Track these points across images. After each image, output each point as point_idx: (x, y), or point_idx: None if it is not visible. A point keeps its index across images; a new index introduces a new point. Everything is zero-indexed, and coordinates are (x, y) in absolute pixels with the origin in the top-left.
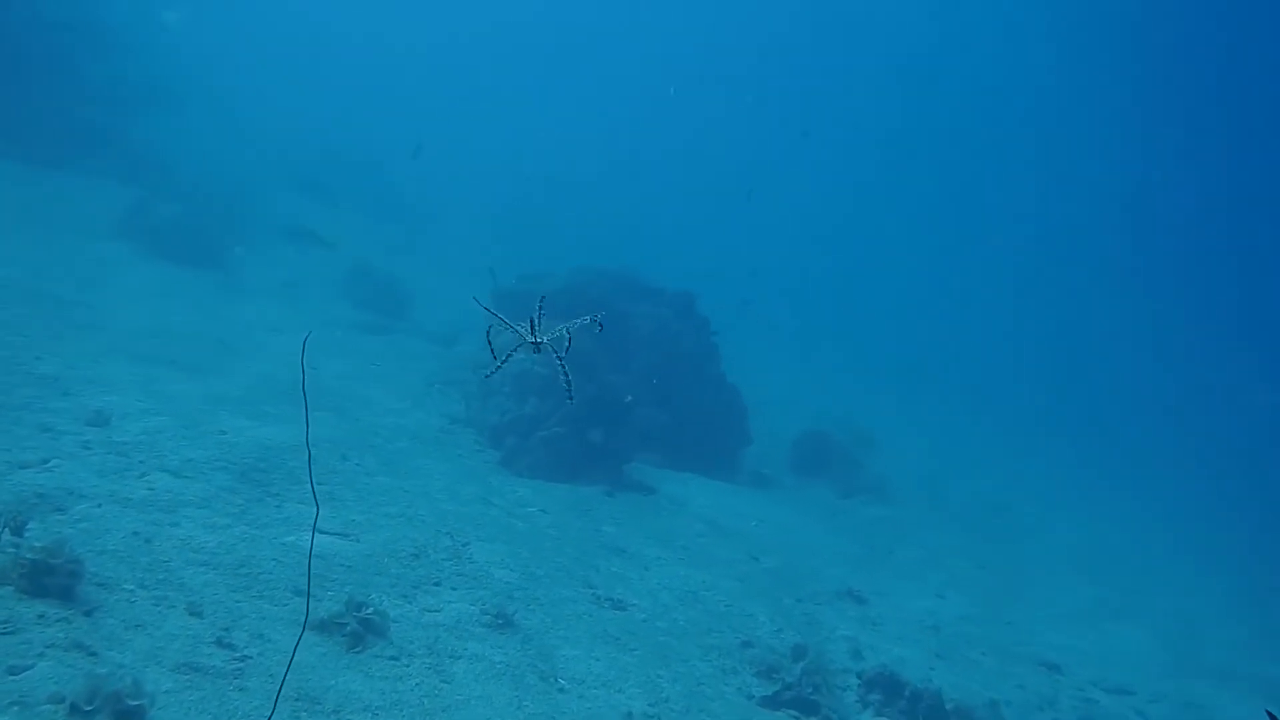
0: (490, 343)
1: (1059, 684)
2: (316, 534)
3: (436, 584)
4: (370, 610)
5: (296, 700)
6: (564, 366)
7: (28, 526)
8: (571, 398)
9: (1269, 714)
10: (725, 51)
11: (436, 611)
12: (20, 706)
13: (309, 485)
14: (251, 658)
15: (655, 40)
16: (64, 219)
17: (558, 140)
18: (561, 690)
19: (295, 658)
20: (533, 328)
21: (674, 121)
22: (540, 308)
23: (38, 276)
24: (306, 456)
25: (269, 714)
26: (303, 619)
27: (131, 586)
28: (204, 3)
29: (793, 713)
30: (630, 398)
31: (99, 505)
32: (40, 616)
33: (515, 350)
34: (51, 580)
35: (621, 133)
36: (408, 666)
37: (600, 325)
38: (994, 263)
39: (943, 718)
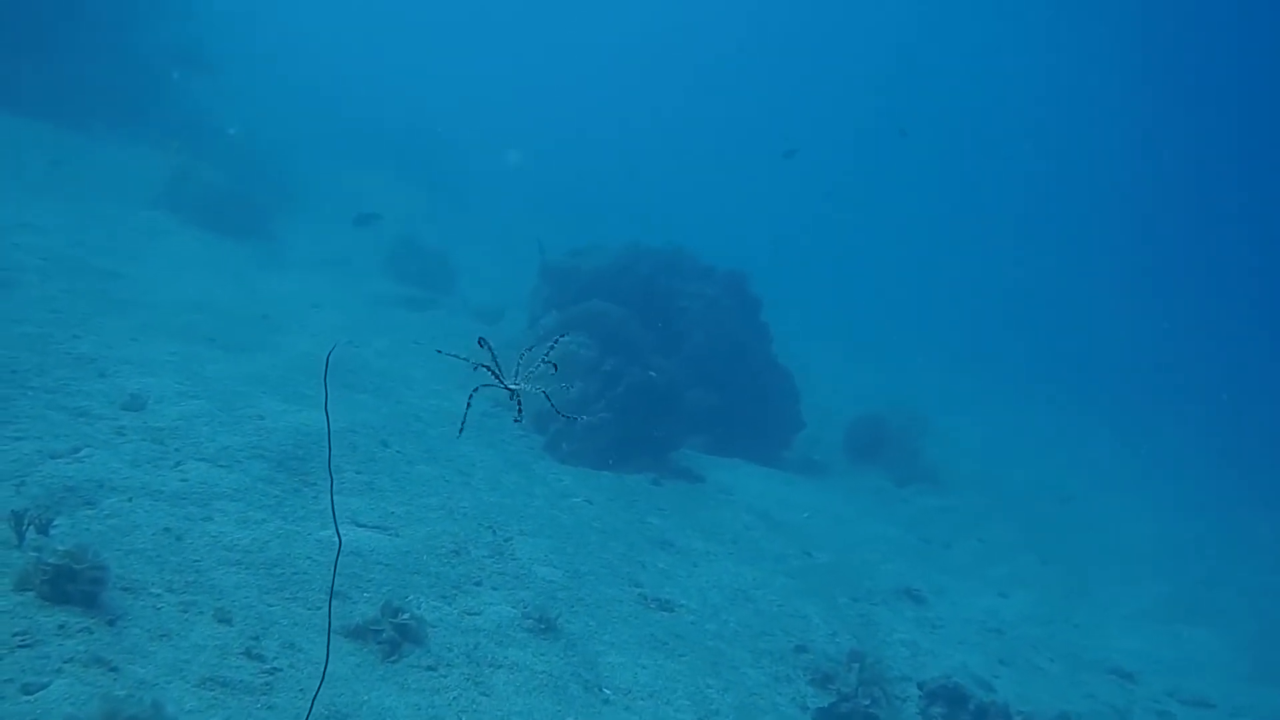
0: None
1: (1132, 694)
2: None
3: (477, 584)
4: (407, 615)
5: (327, 718)
6: (519, 403)
7: (54, 523)
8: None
9: None
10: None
11: (476, 615)
12: None
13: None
14: (281, 670)
15: (704, 13)
16: (106, 186)
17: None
18: (606, 702)
19: (327, 668)
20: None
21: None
22: (529, 348)
23: (78, 247)
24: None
25: None
26: (336, 625)
27: (159, 590)
28: None
29: None
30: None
31: (130, 499)
32: (61, 627)
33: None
34: (74, 587)
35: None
36: (445, 678)
37: (555, 366)
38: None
39: None
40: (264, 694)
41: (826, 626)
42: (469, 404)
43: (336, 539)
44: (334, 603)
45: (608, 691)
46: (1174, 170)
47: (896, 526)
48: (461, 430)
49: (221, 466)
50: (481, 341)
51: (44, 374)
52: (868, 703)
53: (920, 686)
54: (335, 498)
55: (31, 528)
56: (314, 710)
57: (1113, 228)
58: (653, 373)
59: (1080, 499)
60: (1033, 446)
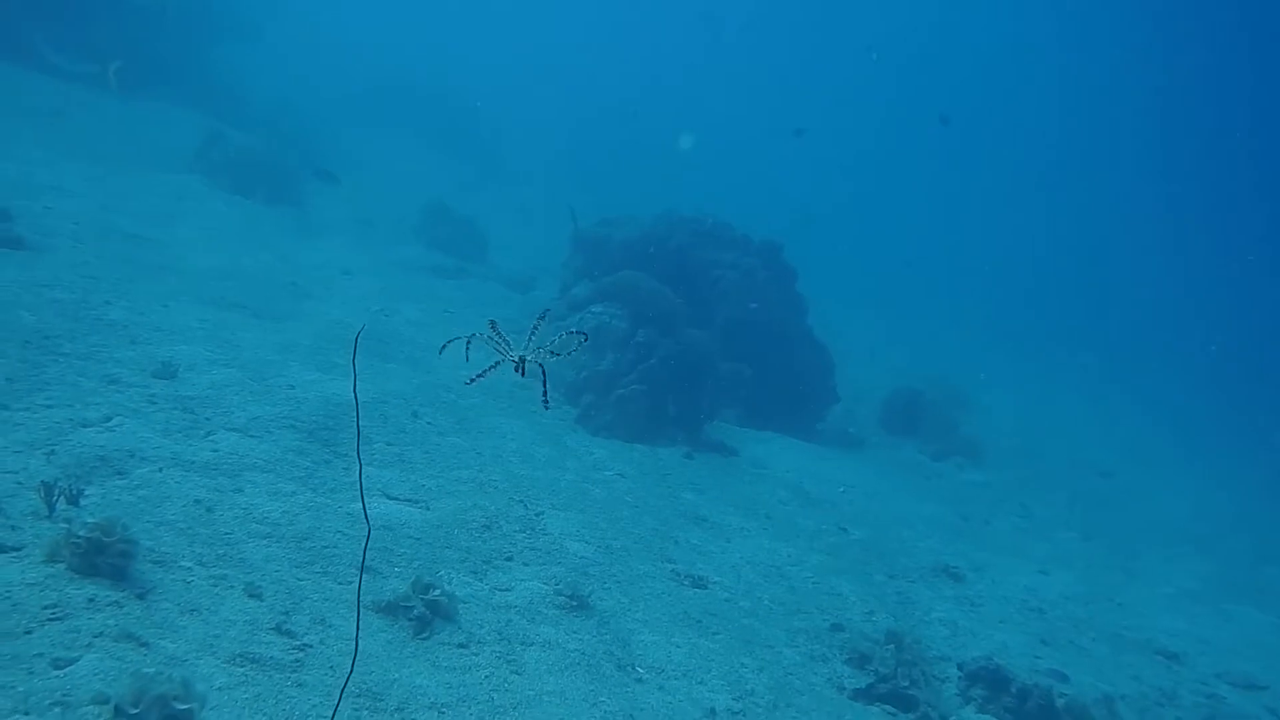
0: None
1: (1179, 676)
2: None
3: (508, 559)
4: (438, 592)
5: (358, 696)
6: (545, 379)
7: (85, 494)
8: (547, 405)
9: None
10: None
11: (508, 591)
12: (62, 708)
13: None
14: (311, 646)
15: None
16: (138, 150)
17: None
18: (640, 681)
19: (352, 648)
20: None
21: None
22: (541, 318)
23: (109, 211)
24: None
25: (328, 714)
26: (367, 601)
27: (189, 564)
28: None
29: (888, 708)
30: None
31: (160, 469)
32: (91, 600)
33: (495, 366)
34: (104, 560)
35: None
36: (476, 656)
37: (585, 337)
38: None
39: (1053, 717)
40: (294, 671)
41: (863, 605)
42: (492, 368)
43: (365, 519)
44: (365, 578)
45: (641, 670)
46: (1213, 139)
47: (934, 502)
48: (471, 381)
49: (252, 437)
50: (493, 325)
51: (75, 340)
52: (906, 684)
53: (960, 667)
54: (366, 469)
55: (62, 498)
56: (345, 689)
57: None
58: (685, 343)
59: (1121, 474)
60: (1070, 421)
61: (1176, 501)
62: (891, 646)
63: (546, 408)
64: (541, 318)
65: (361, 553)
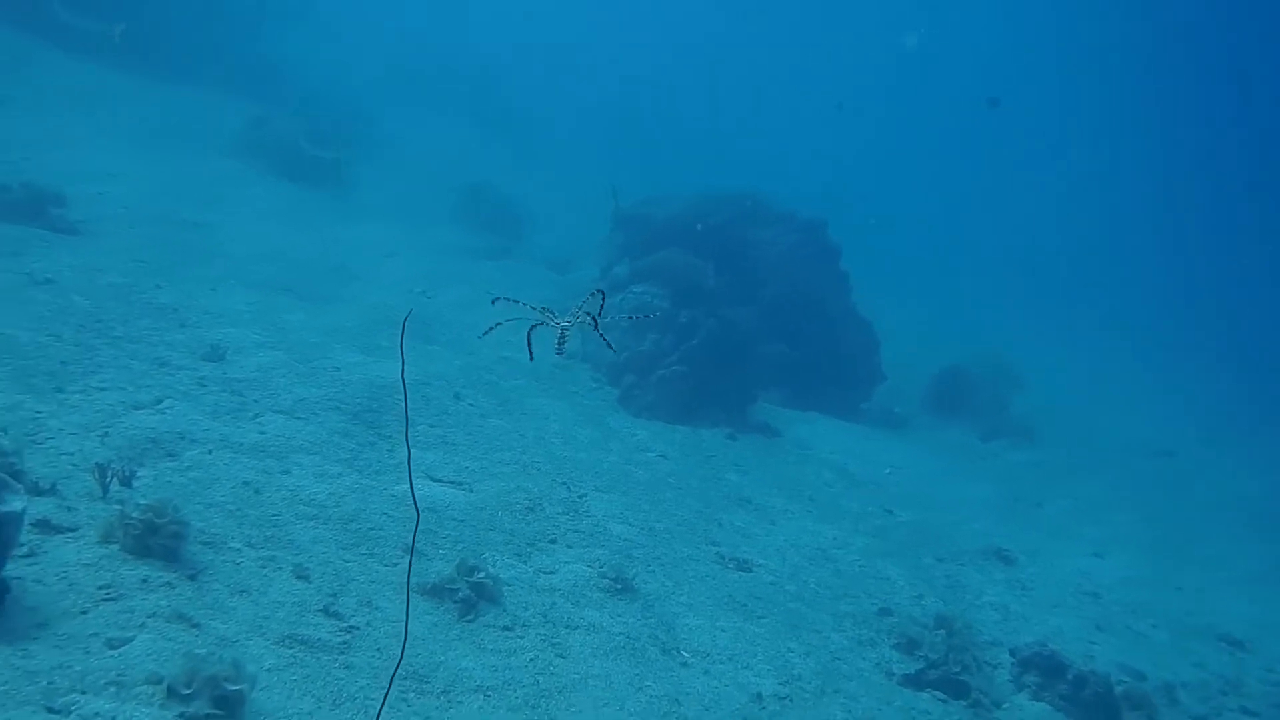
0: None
1: (1244, 664)
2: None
3: (552, 541)
4: (483, 574)
5: (404, 679)
6: (603, 336)
7: (138, 475)
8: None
9: None
10: None
11: (552, 574)
12: (117, 687)
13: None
14: (359, 628)
15: None
16: (185, 134)
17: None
18: (685, 665)
19: (399, 631)
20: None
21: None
22: (592, 295)
23: (159, 195)
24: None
25: (375, 696)
26: (412, 583)
27: (238, 545)
28: None
29: (939, 694)
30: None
31: (210, 451)
32: (144, 581)
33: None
34: (156, 541)
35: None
36: (521, 639)
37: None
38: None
39: (1111, 705)
40: (341, 653)
41: (911, 588)
42: (529, 341)
43: (415, 508)
44: (408, 560)
45: (685, 654)
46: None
47: (983, 483)
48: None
49: (299, 419)
50: (544, 310)
51: (127, 324)
52: (957, 669)
53: (1013, 653)
54: (410, 450)
55: (115, 480)
56: (390, 671)
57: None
58: (727, 322)
59: (1179, 454)
60: (1126, 399)
61: (1240, 483)
62: (942, 631)
63: (612, 350)
64: (593, 295)
65: (407, 535)
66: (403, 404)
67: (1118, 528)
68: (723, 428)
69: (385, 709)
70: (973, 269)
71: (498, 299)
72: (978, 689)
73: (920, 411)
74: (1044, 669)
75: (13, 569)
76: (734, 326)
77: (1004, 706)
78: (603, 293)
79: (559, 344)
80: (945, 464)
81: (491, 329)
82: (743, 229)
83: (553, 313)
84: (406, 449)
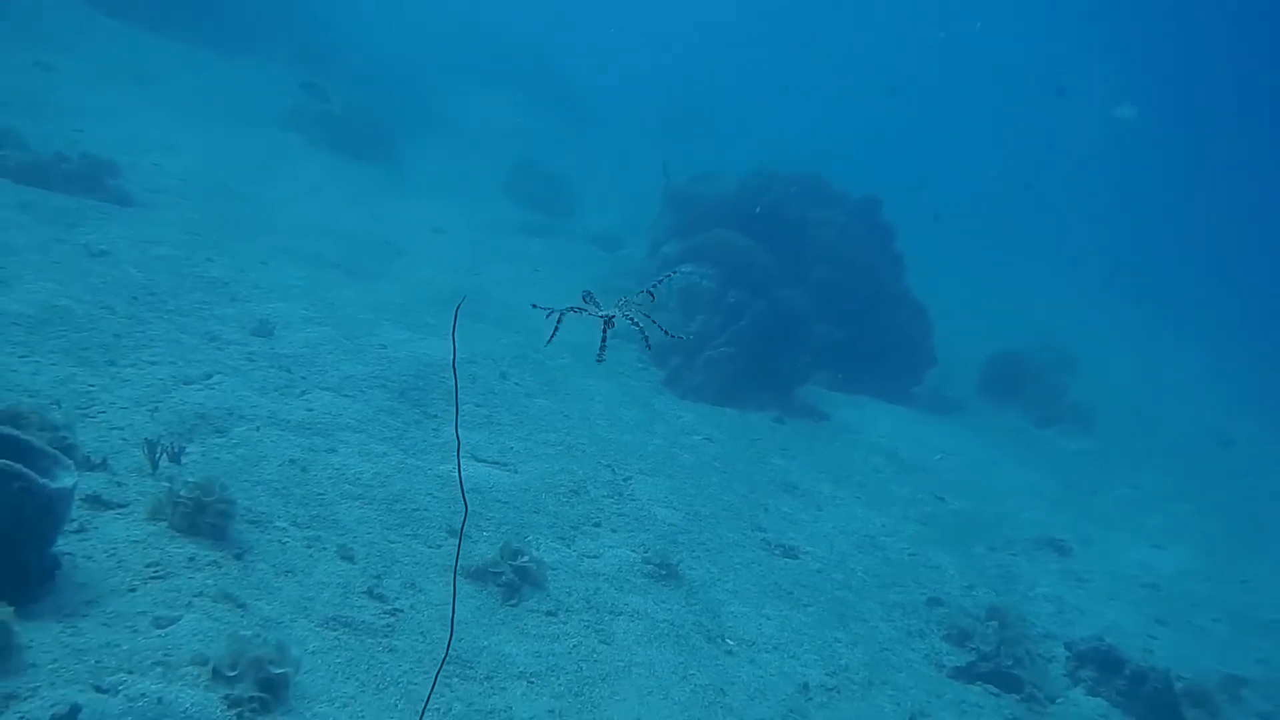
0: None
1: None
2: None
3: (596, 525)
4: (526, 558)
5: (447, 664)
6: (641, 330)
7: (186, 451)
8: (649, 346)
9: None
10: None
11: (596, 558)
12: (163, 667)
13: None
14: (403, 611)
15: None
16: (239, 107)
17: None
18: (730, 654)
19: (444, 615)
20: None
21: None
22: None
23: (214, 168)
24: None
25: (418, 681)
26: (457, 566)
27: (284, 524)
28: None
29: (990, 688)
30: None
31: (258, 428)
32: (191, 560)
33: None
34: (204, 519)
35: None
36: (565, 624)
37: (652, 295)
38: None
39: (1171, 702)
40: (385, 636)
41: (962, 578)
42: (558, 322)
43: (467, 468)
44: (453, 542)
45: (731, 642)
46: None
47: (1037, 471)
48: (549, 341)
49: (345, 396)
50: (588, 295)
51: (179, 297)
52: (1010, 663)
53: (1068, 647)
54: (453, 431)
55: (164, 456)
56: (433, 655)
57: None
58: (777, 303)
59: (1243, 442)
60: (1187, 385)
61: None
62: (994, 623)
63: (649, 348)
64: (647, 288)
65: (452, 516)
66: (449, 382)
67: (1177, 518)
68: (770, 411)
69: (429, 694)
70: (1027, 251)
71: (538, 306)
72: (1031, 683)
73: (973, 396)
74: (1101, 663)
75: (63, 544)
76: (783, 307)
77: (1058, 701)
78: (652, 293)
79: (600, 350)
80: (998, 450)
81: (553, 334)
82: (794, 208)
83: (598, 303)
84: (456, 441)
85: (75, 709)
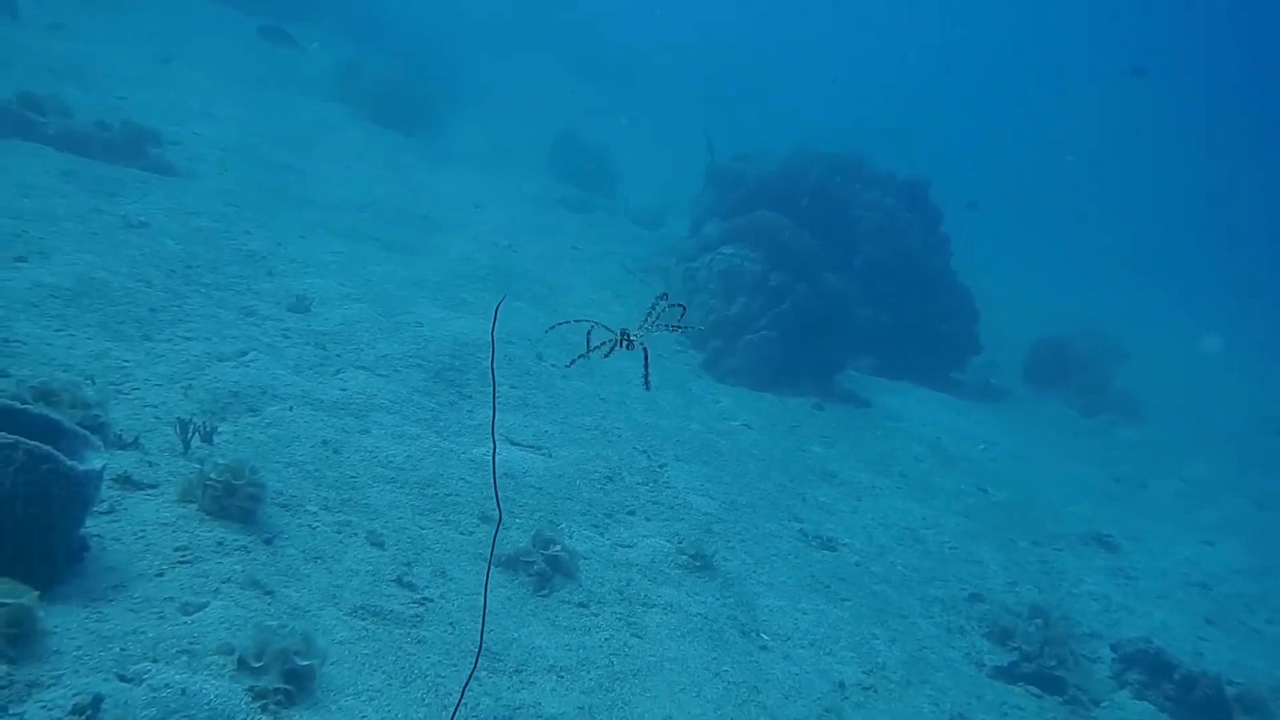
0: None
1: None
2: (509, 445)
3: (630, 513)
4: (558, 547)
5: (474, 654)
6: (646, 357)
7: (219, 431)
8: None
9: None
10: None
11: (629, 548)
12: (189, 656)
13: (503, 388)
14: (432, 600)
15: None
16: (283, 76)
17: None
18: (764, 649)
19: (474, 604)
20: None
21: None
22: (660, 298)
23: (253, 138)
24: (502, 356)
25: (446, 674)
26: (487, 554)
27: (315, 509)
28: None
29: (1033, 689)
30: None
31: (291, 408)
32: (220, 544)
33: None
34: (233, 502)
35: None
36: (596, 616)
37: (683, 308)
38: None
39: (1222, 708)
40: (414, 626)
41: (1005, 574)
42: (588, 345)
43: (501, 452)
44: (485, 528)
45: (765, 637)
46: None
47: (1083, 462)
48: (571, 363)
49: (380, 376)
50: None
51: (216, 271)
52: (1053, 663)
53: (1114, 649)
54: (488, 414)
55: (196, 435)
56: (462, 647)
57: None
58: (820, 287)
59: None
60: (1244, 373)
61: None
62: (1037, 621)
63: (647, 389)
64: (661, 298)
65: (484, 502)
66: (485, 363)
67: (1231, 513)
68: (810, 397)
69: (456, 686)
70: (1074, 234)
71: (552, 327)
72: (1075, 685)
73: (1017, 384)
74: (1149, 667)
75: (92, 525)
76: (826, 291)
77: (1103, 705)
78: (666, 296)
79: (607, 354)
80: (1043, 440)
81: (579, 357)
82: (839, 189)
83: (628, 334)
84: (492, 442)
85: (98, 699)
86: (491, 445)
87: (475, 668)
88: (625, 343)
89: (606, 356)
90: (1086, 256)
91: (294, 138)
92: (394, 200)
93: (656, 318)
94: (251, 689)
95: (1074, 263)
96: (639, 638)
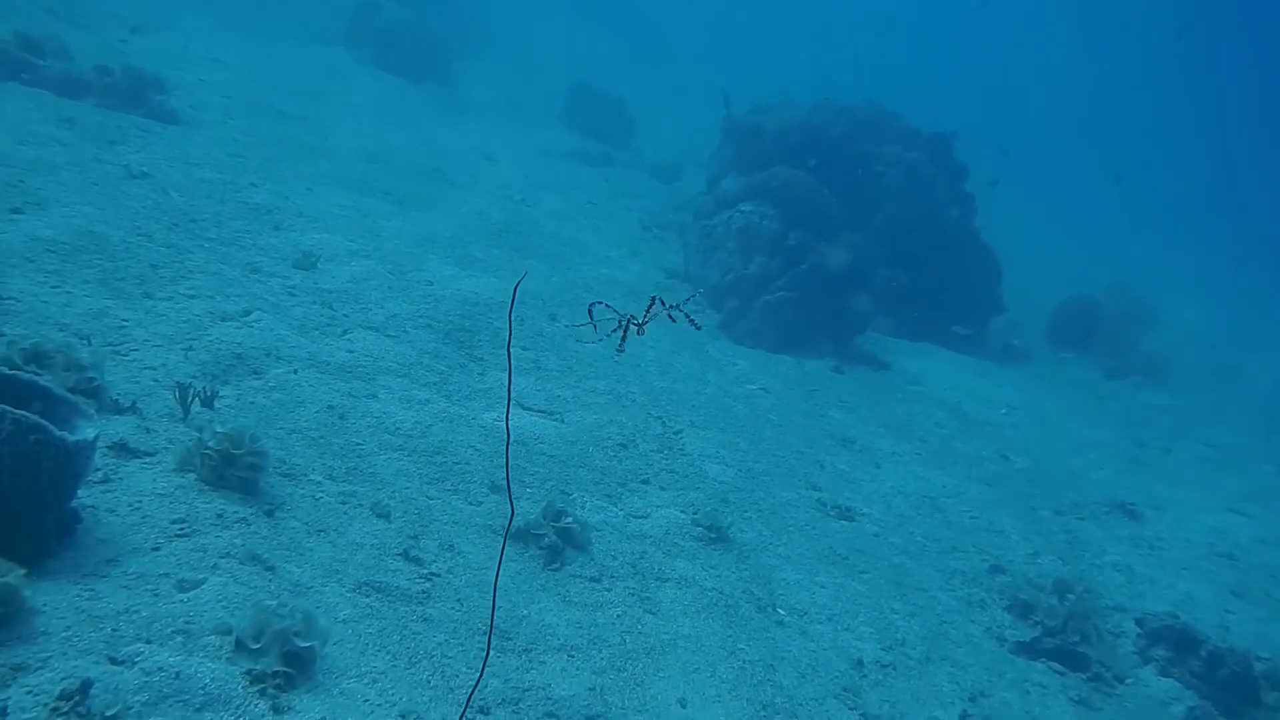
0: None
1: None
2: (520, 410)
3: (644, 482)
4: (570, 519)
5: (483, 635)
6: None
7: (220, 395)
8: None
9: None
10: None
11: (643, 519)
12: (184, 636)
13: (514, 351)
14: (439, 575)
15: None
16: (291, 22)
17: None
18: (780, 624)
19: (483, 579)
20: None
21: None
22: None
23: (260, 85)
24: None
25: (453, 654)
26: (496, 526)
27: (319, 478)
28: None
29: (1055, 665)
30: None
31: (296, 371)
32: (219, 516)
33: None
34: (233, 472)
35: None
36: (609, 591)
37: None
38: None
39: (1250, 685)
40: (420, 603)
41: (1026, 544)
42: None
43: (513, 418)
44: (494, 498)
45: (782, 612)
46: None
47: (1108, 427)
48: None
49: (389, 337)
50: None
51: (220, 225)
52: (1076, 639)
53: (1139, 624)
54: (498, 376)
55: (196, 400)
56: (470, 625)
57: None
58: (840, 246)
59: None
60: (1272, 337)
61: None
62: (1060, 595)
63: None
64: (654, 302)
65: (494, 470)
66: (496, 324)
67: (1258, 480)
68: (828, 359)
69: (464, 667)
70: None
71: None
72: (1098, 661)
73: (1041, 345)
74: (1175, 642)
75: (86, 495)
76: (846, 251)
77: (1127, 682)
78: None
79: (619, 345)
80: (1067, 404)
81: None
82: (862, 143)
83: (634, 318)
84: (507, 437)
85: (87, 684)
86: (506, 410)
87: (487, 659)
88: (637, 328)
89: (620, 349)
90: (1115, 218)
91: (303, 85)
92: (405, 152)
93: (659, 309)
94: (249, 672)
95: (1101, 223)
96: (652, 614)
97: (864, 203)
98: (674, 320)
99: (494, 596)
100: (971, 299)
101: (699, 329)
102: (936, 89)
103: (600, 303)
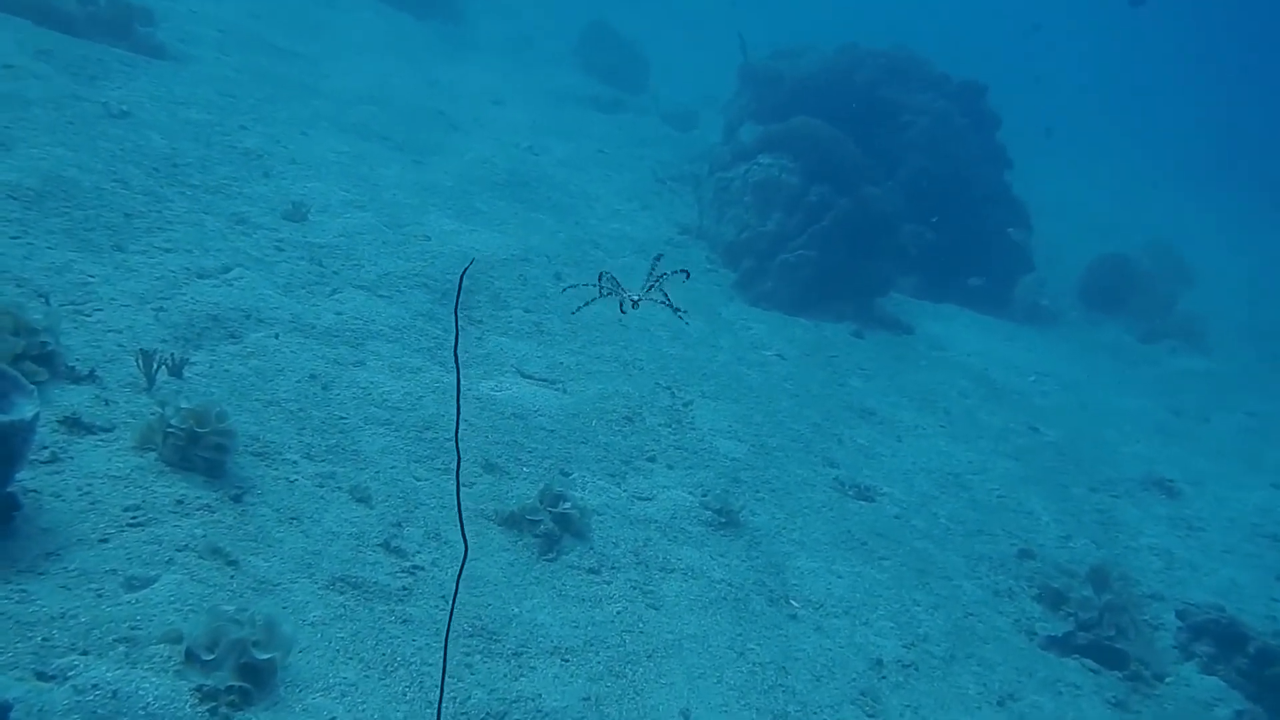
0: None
1: None
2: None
3: (651, 460)
4: (568, 504)
5: (470, 637)
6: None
7: (191, 362)
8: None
9: None
10: None
11: (648, 501)
12: (128, 645)
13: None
14: (423, 569)
15: None
16: None
17: None
18: (794, 618)
19: (472, 571)
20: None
21: None
22: (658, 259)
23: (256, 19)
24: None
25: (435, 661)
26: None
27: (295, 457)
28: None
29: (1089, 662)
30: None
31: (277, 335)
32: (179, 502)
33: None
34: (197, 453)
35: None
36: (609, 584)
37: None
38: None
39: None
40: (400, 601)
41: (1057, 526)
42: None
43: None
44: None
45: (796, 604)
46: None
47: (1142, 394)
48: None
49: (380, 297)
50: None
51: (206, 171)
52: (1112, 633)
53: (1180, 616)
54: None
55: (163, 368)
56: (456, 625)
57: None
58: (862, 201)
59: None
60: None
61: None
62: (1094, 586)
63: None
64: (659, 259)
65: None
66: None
67: None
68: (848, 321)
69: (446, 677)
70: (1137, 149)
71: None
72: (1136, 658)
73: (1072, 305)
74: (1219, 637)
75: (28, 478)
76: (870, 207)
77: (1168, 680)
78: (660, 257)
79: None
80: (1098, 370)
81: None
82: (889, 90)
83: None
84: (457, 455)
85: (5, 706)
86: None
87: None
88: (632, 304)
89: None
90: (1150, 172)
91: (301, 19)
92: (407, 93)
93: (659, 278)
94: (199, 688)
95: (1136, 177)
96: (655, 610)
97: (889, 154)
98: (661, 296)
99: (453, 602)
100: (999, 256)
101: (683, 316)
102: (968, 36)
103: (607, 274)
